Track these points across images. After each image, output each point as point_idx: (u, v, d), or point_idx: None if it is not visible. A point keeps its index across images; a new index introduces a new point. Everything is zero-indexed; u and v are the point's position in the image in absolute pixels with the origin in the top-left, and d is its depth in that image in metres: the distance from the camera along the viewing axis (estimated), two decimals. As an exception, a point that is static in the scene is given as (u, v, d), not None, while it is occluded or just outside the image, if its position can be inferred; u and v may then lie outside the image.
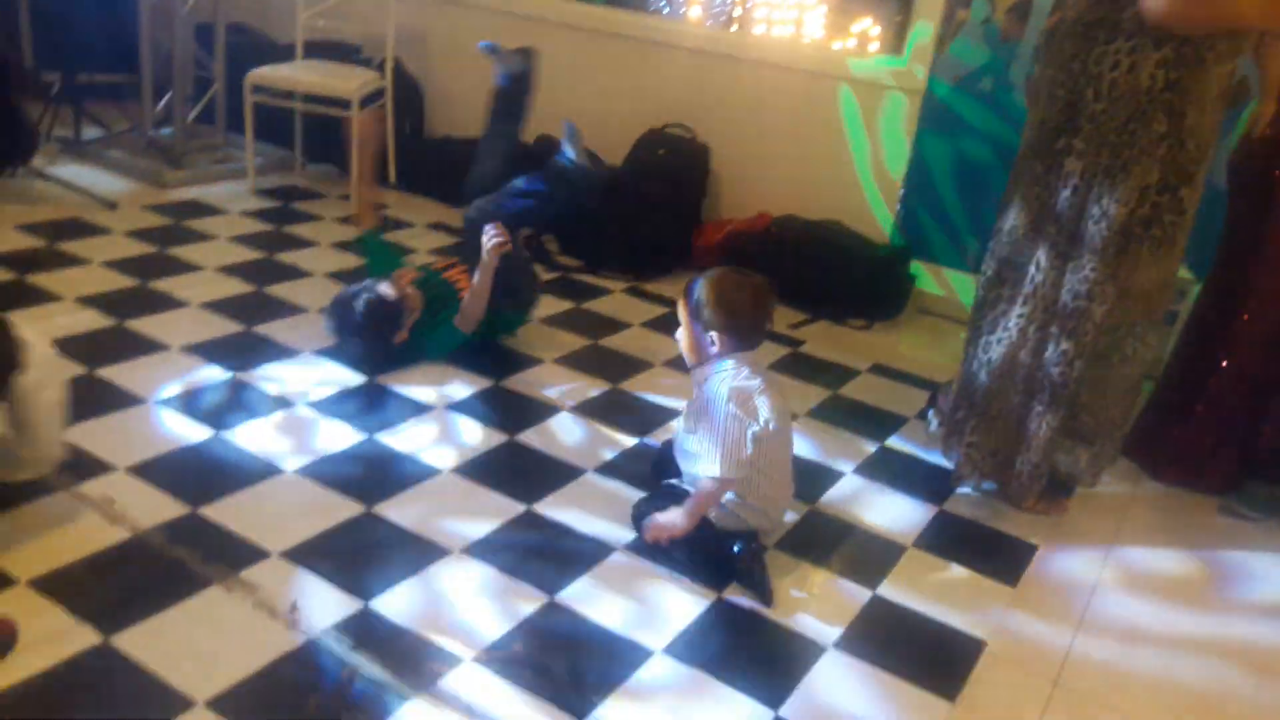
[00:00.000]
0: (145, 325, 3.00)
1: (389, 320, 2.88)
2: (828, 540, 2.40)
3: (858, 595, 2.22)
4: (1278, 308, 2.64)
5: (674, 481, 2.34)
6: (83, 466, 2.28)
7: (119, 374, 2.70)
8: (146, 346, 2.88)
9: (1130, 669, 2.11)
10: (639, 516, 2.29)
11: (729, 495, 2.20)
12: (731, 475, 2.12)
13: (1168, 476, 2.83)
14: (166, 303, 3.18)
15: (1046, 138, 2.33)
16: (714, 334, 2.21)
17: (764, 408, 2.15)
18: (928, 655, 2.06)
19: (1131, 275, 2.31)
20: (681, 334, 2.30)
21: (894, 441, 2.93)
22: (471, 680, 1.83)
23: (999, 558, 2.42)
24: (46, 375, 2.00)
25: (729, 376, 2.19)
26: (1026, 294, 2.41)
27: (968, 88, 3.73)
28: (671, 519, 2.19)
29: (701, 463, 2.16)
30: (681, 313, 2.28)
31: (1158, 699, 2.03)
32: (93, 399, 2.56)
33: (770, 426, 2.15)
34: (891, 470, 2.76)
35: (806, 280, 3.83)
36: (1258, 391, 2.69)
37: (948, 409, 2.64)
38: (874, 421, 3.03)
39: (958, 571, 2.35)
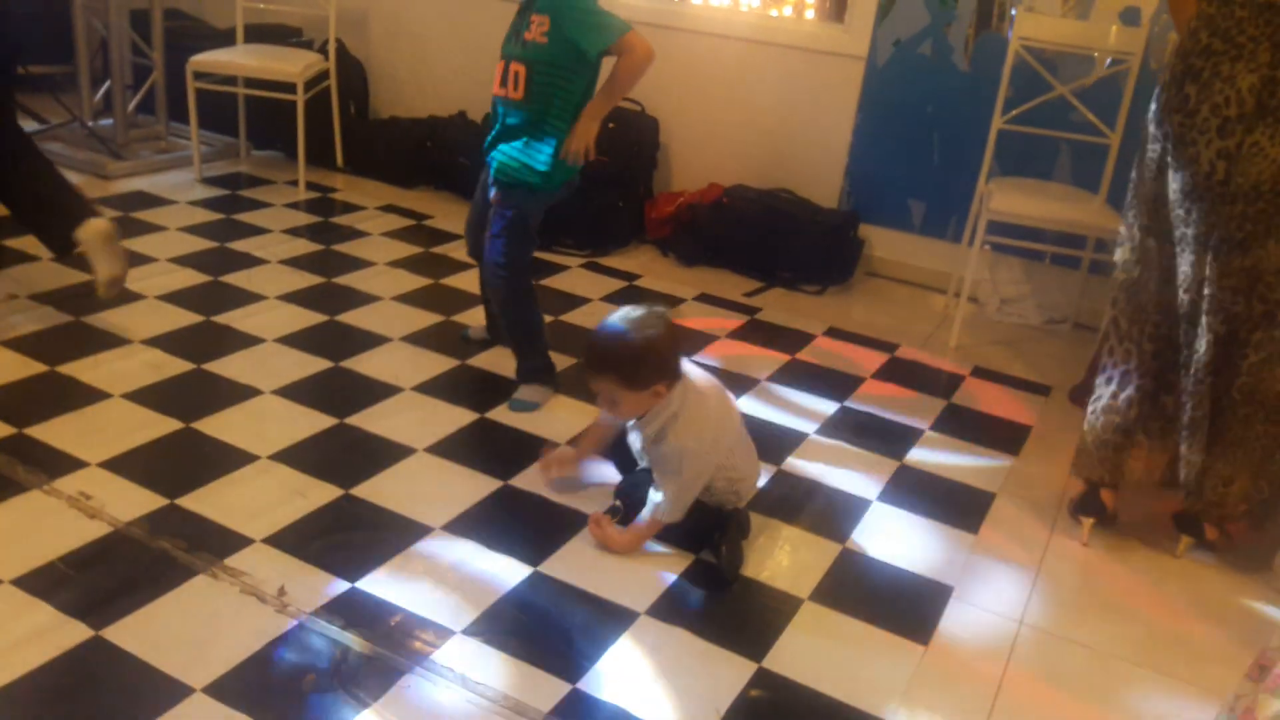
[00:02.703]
0: (103, 320, 2.98)
1: None
2: (796, 499, 2.48)
3: (828, 549, 2.30)
4: None
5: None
6: (53, 464, 2.28)
7: (82, 370, 2.69)
8: (107, 341, 2.86)
9: (1090, 602, 2.23)
10: (620, 494, 2.34)
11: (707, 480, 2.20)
12: (679, 518, 2.17)
13: None
14: (123, 296, 3.13)
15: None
16: (657, 387, 2.06)
17: (720, 434, 2.17)
18: (899, 602, 2.15)
19: None
20: (617, 406, 2.11)
21: (852, 402, 3.01)
22: (464, 652, 1.87)
23: (960, 506, 2.52)
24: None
25: (680, 424, 2.09)
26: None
27: (908, 51, 3.81)
28: (617, 541, 2.20)
29: (659, 497, 2.17)
30: (609, 387, 2.08)
31: (1118, 628, 2.14)
32: (57, 396, 2.55)
33: (725, 439, 2.19)
34: (851, 429, 2.85)
35: (759, 248, 3.91)
36: None
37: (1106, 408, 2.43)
38: (832, 383, 3.12)
39: (922, 521, 2.45)
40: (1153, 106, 2.27)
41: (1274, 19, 2.07)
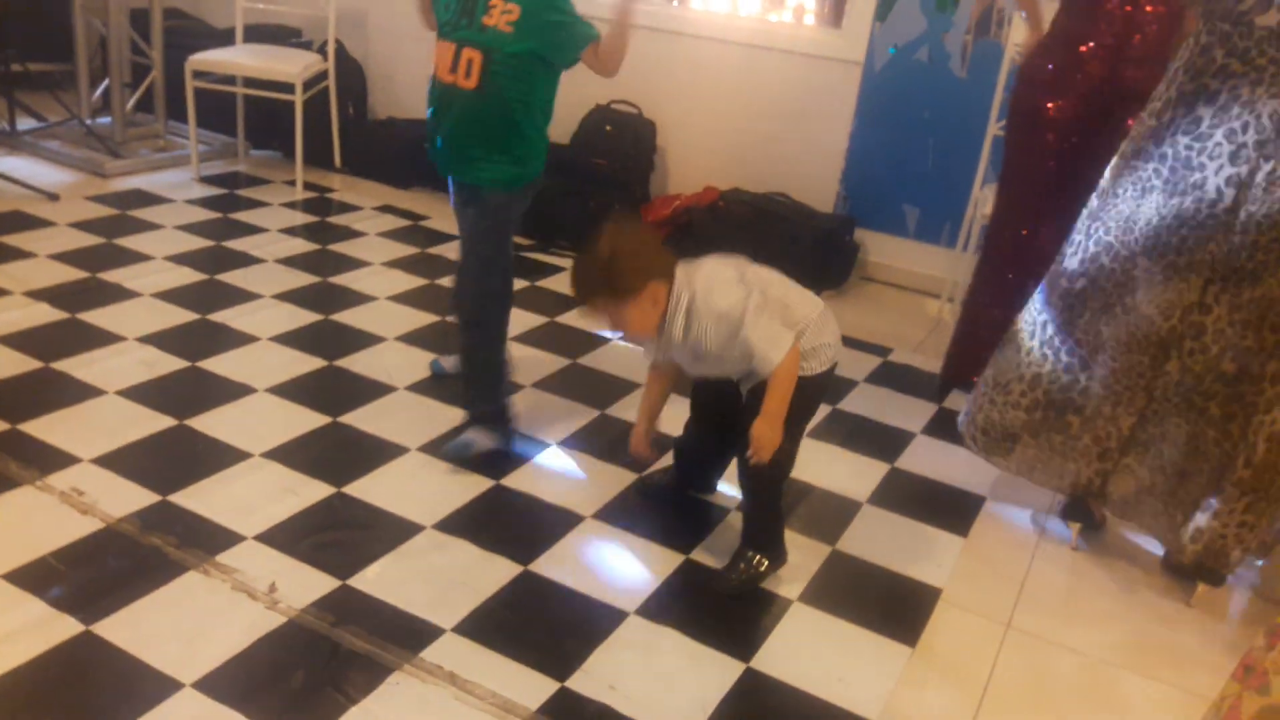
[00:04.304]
0: (98, 317, 2.99)
1: None
2: (787, 501, 2.46)
3: (818, 551, 2.31)
4: (1050, 224, 2.76)
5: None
6: (46, 460, 2.29)
7: (76, 367, 2.69)
8: (102, 338, 2.87)
9: (1077, 606, 2.24)
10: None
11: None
12: (783, 355, 1.99)
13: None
14: (118, 294, 3.16)
15: None
16: (652, 288, 1.96)
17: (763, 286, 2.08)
18: (887, 605, 2.16)
19: None
20: (623, 324, 2.01)
21: (845, 405, 3.02)
22: (453, 650, 1.88)
23: (950, 510, 2.53)
24: None
25: (700, 302, 1.99)
26: None
27: (906, 57, 3.82)
28: (767, 434, 2.02)
29: (757, 363, 1.99)
30: (604, 306, 1.99)
31: (1106, 633, 2.15)
32: (52, 392, 2.56)
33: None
34: (844, 432, 2.86)
35: (754, 252, 3.90)
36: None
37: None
38: (826, 386, 3.12)
39: (911, 524, 2.46)
40: (1151, 123, 2.17)
41: None
